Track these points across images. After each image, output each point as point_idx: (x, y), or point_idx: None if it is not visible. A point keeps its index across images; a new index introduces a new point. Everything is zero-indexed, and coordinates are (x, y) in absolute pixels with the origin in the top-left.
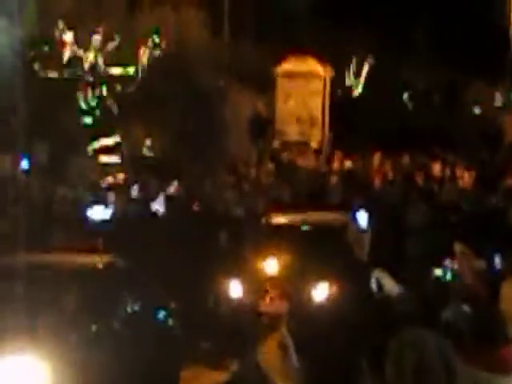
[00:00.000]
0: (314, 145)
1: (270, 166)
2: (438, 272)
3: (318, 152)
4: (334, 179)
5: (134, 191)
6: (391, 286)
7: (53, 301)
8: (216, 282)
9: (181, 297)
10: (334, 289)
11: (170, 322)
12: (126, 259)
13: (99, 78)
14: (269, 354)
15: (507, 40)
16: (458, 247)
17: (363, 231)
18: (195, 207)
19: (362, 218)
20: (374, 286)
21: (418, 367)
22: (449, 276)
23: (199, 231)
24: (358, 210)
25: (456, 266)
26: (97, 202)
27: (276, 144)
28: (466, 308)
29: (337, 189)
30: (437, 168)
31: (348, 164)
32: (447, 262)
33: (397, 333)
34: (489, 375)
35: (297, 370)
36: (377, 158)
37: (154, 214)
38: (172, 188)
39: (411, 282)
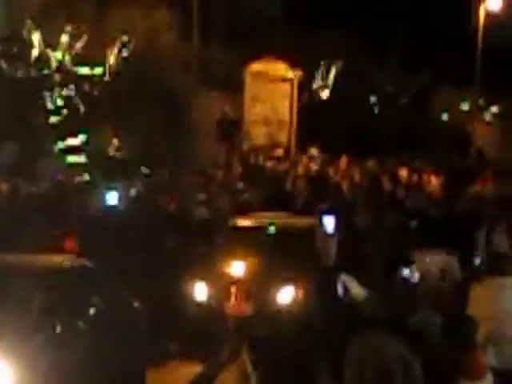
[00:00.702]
0: (281, 147)
1: (238, 168)
2: (406, 272)
3: (285, 155)
4: (300, 182)
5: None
6: (357, 290)
7: (18, 301)
8: (182, 284)
9: (147, 298)
10: (300, 292)
11: (136, 323)
12: (93, 259)
13: (67, 77)
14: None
15: (475, 46)
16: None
17: (329, 235)
18: (162, 208)
19: (329, 222)
20: (340, 289)
21: (379, 372)
22: (416, 277)
23: (165, 232)
24: (324, 214)
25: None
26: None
27: (244, 146)
28: (434, 314)
29: (303, 192)
30: (404, 172)
31: (314, 167)
32: (413, 265)
33: (359, 334)
34: (464, 381)
35: None
36: (343, 162)
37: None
38: (136, 189)
39: (377, 286)
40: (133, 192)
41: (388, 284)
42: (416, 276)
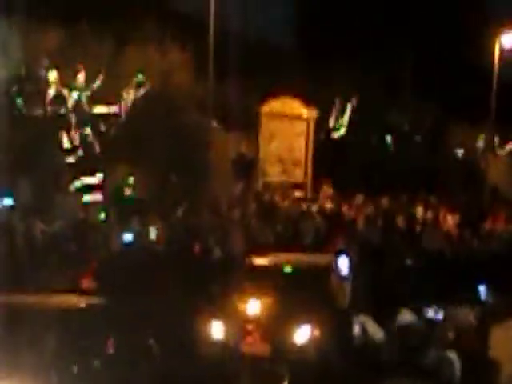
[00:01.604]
0: (299, 188)
1: (253, 206)
2: (430, 313)
3: (301, 194)
4: (316, 221)
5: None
6: (375, 331)
7: (33, 340)
8: (198, 323)
9: (163, 337)
10: (316, 332)
11: (151, 362)
12: (109, 299)
13: (83, 116)
14: None
15: (490, 83)
16: None
17: (345, 278)
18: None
19: (343, 264)
20: (357, 330)
21: None
22: (439, 316)
23: (182, 272)
24: (339, 256)
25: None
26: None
27: (259, 185)
28: (449, 354)
29: (319, 230)
30: (420, 211)
31: (330, 205)
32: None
33: (379, 379)
34: None
35: None
36: (359, 199)
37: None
38: (154, 229)
39: (393, 328)
40: (153, 233)
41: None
42: (440, 316)
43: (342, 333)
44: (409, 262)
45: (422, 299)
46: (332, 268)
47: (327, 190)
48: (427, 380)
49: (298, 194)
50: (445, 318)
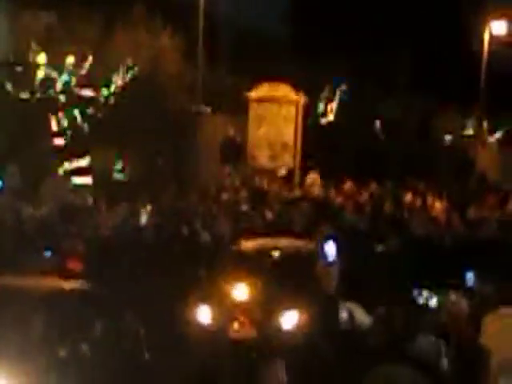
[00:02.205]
0: (284, 171)
1: (242, 191)
2: (421, 299)
3: (289, 178)
4: (304, 206)
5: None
6: (363, 318)
7: (20, 324)
8: (185, 307)
9: (149, 321)
10: (303, 317)
11: (139, 346)
12: (95, 282)
13: (72, 99)
14: None
15: (479, 70)
16: None
17: (331, 264)
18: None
19: (330, 249)
20: (345, 316)
21: None
22: (432, 303)
23: (169, 256)
24: (326, 241)
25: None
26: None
27: (248, 169)
28: (438, 340)
29: (307, 216)
30: (408, 197)
31: (318, 191)
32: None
33: (366, 365)
34: None
35: None
36: (347, 185)
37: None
38: (145, 213)
39: (381, 314)
40: (143, 216)
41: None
42: (434, 301)
43: (328, 318)
44: (394, 247)
45: (410, 285)
46: (319, 253)
47: (315, 175)
48: (413, 366)
49: (286, 178)
50: (439, 305)
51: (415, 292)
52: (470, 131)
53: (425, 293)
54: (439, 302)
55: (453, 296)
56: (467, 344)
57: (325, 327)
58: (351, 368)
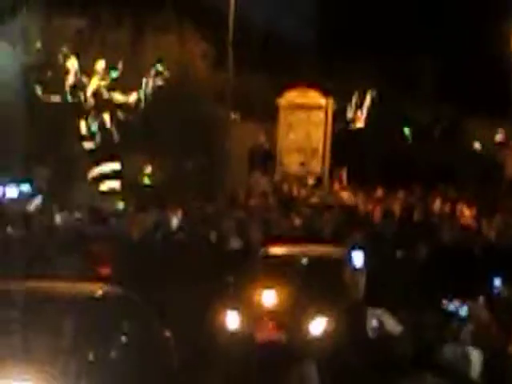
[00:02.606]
0: (314, 177)
1: (271, 197)
2: (452, 308)
3: (318, 184)
4: (333, 212)
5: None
6: (392, 326)
7: (50, 328)
8: (214, 313)
9: (179, 327)
10: (332, 323)
11: (167, 352)
12: (126, 287)
13: (101, 104)
14: None
15: (509, 76)
16: None
17: (358, 270)
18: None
19: (357, 256)
20: (374, 324)
21: None
22: (463, 312)
23: (198, 261)
24: (353, 249)
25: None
26: None
27: (277, 175)
28: (469, 349)
29: (336, 222)
30: (437, 204)
31: (347, 197)
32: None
33: (395, 374)
34: None
35: None
36: (379, 192)
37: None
38: (176, 219)
39: (410, 323)
40: (174, 221)
41: (429, 317)
42: (464, 310)
43: (357, 325)
44: (423, 253)
45: (439, 293)
46: (346, 261)
47: (343, 182)
48: (442, 375)
49: (315, 185)
50: (469, 314)
51: (445, 300)
52: (499, 138)
53: (455, 301)
54: (469, 310)
55: (479, 304)
56: (496, 353)
57: (353, 334)
58: (379, 377)
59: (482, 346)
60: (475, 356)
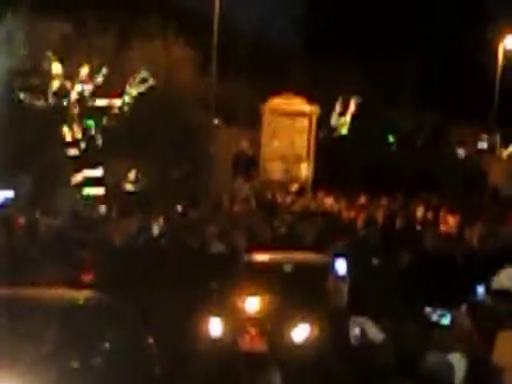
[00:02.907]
0: (297, 184)
1: (254, 203)
2: (435, 317)
3: (301, 191)
4: (316, 219)
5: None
6: (375, 334)
7: (32, 335)
8: (196, 320)
9: (162, 334)
10: (314, 331)
11: (150, 359)
12: (109, 294)
13: (86, 110)
14: None
15: (492, 84)
16: None
17: (341, 278)
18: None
19: (341, 264)
20: (357, 332)
21: None
22: (446, 320)
23: (181, 268)
24: (336, 256)
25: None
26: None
27: (260, 182)
28: (450, 358)
29: (319, 229)
30: (420, 211)
31: (330, 204)
32: (439, 308)
33: (378, 382)
34: None
35: None
36: (362, 200)
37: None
38: (157, 225)
39: (392, 331)
40: (156, 228)
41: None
42: (448, 319)
43: (339, 333)
44: (408, 262)
45: (422, 300)
46: (330, 268)
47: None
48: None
49: (299, 191)
50: (452, 322)
51: (428, 309)
52: (483, 145)
53: (437, 309)
54: (451, 318)
55: (461, 312)
56: (479, 361)
57: (335, 341)
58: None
59: (465, 354)
60: (458, 363)
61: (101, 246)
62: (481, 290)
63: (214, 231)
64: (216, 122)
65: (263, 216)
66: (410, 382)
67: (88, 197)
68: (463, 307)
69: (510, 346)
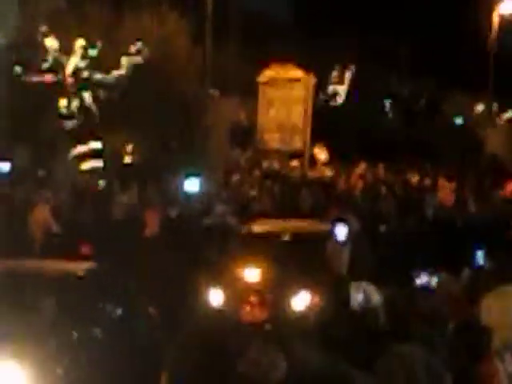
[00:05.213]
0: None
1: (252, 173)
2: (424, 279)
3: (299, 160)
4: (314, 188)
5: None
6: (377, 299)
7: (32, 307)
8: (196, 291)
9: (162, 304)
10: (315, 299)
11: (151, 329)
12: (108, 265)
13: (81, 83)
14: None
15: (489, 52)
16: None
17: (341, 244)
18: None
19: (340, 230)
20: (360, 297)
21: (407, 381)
22: (434, 282)
23: (180, 239)
24: (337, 223)
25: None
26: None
27: (257, 152)
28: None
29: (317, 198)
30: (415, 178)
31: (328, 172)
32: (430, 272)
33: (381, 347)
34: None
35: None
36: (361, 167)
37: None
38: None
39: (386, 295)
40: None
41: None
42: (434, 283)
43: (340, 298)
44: (404, 228)
45: (418, 265)
46: (330, 235)
47: (324, 157)
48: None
49: (296, 161)
50: (438, 285)
51: (418, 273)
52: (479, 112)
53: (426, 273)
54: (438, 282)
55: (444, 275)
56: (467, 324)
57: (336, 307)
58: (364, 348)
59: (453, 317)
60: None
61: (99, 218)
62: (479, 255)
63: (211, 202)
64: (212, 92)
65: (260, 185)
66: (411, 345)
67: (86, 170)
68: (465, 272)
69: (498, 307)
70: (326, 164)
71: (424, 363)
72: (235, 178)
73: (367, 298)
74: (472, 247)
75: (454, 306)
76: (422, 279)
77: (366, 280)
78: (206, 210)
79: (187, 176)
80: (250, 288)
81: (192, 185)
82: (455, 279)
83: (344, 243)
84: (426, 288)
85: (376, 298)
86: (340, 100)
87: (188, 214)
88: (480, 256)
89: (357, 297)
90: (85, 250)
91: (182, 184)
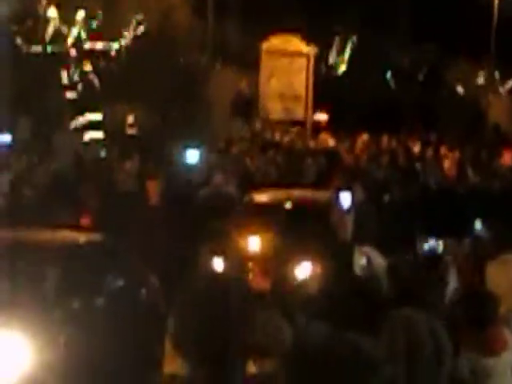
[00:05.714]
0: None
1: (253, 143)
2: (430, 245)
3: (301, 129)
4: (317, 158)
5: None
6: (379, 263)
7: (34, 277)
8: (199, 260)
9: (164, 274)
10: (318, 267)
11: (153, 298)
12: (110, 235)
13: (82, 53)
14: None
15: (491, 19)
16: None
17: (346, 211)
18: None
19: (345, 198)
20: (363, 262)
21: (409, 345)
22: (440, 248)
23: (181, 209)
24: (340, 190)
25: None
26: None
27: (259, 122)
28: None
29: (320, 167)
30: (417, 147)
31: (331, 142)
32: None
33: (384, 312)
34: (478, 356)
35: None
36: (364, 137)
37: None
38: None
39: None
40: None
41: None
42: (440, 247)
43: (345, 265)
44: (407, 197)
45: (422, 233)
46: (333, 203)
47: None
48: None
49: (298, 130)
50: (443, 252)
51: (425, 239)
52: (481, 81)
53: (430, 240)
54: (444, 249)
55: (450, 241)
56: (474, 290)
57: (341, 274)
58: (369, 312)
59: (460, 283)
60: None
61: (100, 189)
62: (479, 224)
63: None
64: (214, 63)
65: (263, 155)
66: (415, 309)
67: (87, 141)
68: (466, 240)
69: (503, 273)
70: (328, 134)
71: (427, 327)
72: (237, 148)
73: (370, 262)
74: (473, 216)
75: (460, 272)
76: (428, 245)
77: (370, 246)
78: (206, 181)
79: (186, 147)
80: (252, 257)
81: (192, 156)
82: (459, 246)
83: (348, 211)
84: (432, 253)
85: (379, 261)
86: (341, 70)
87: (188, 184)
88: (480, 225)
89: (360, 261)
90: (85, 220)
91: (182, 155)
